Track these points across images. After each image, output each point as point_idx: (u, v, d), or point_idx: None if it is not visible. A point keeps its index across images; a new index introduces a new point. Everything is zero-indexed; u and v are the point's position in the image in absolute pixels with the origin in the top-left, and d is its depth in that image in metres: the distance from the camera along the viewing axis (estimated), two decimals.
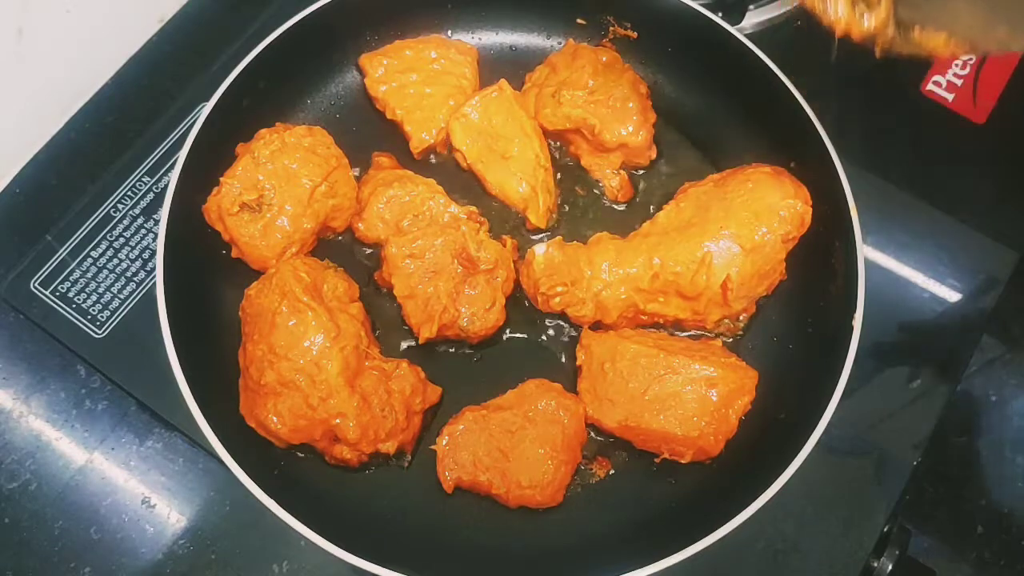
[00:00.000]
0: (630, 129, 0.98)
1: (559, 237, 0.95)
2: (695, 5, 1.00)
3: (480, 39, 1.10)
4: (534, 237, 1.00)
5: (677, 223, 0.94)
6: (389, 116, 1.02)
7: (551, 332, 0.97)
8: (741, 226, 0.90)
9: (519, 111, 1.01)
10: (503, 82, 1.02)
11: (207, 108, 0.93)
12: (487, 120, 1.01)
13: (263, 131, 0.96)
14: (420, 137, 1.01)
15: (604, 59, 1.02)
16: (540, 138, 1.01)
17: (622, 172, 1.02)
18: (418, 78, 1.02)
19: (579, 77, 1.00)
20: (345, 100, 1.07)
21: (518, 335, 0.96)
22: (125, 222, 1.02)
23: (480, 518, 0.89)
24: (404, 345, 0.95)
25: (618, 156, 1.01)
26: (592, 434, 0.92)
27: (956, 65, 1.18)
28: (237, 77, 0.95)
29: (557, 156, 1.04)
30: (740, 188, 0.92)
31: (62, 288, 0.98)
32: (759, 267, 0.91)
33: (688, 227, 0.93)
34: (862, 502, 0.94)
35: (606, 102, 0.98)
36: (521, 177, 0.99)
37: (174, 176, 0.90)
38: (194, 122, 0.93)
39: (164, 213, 0.89)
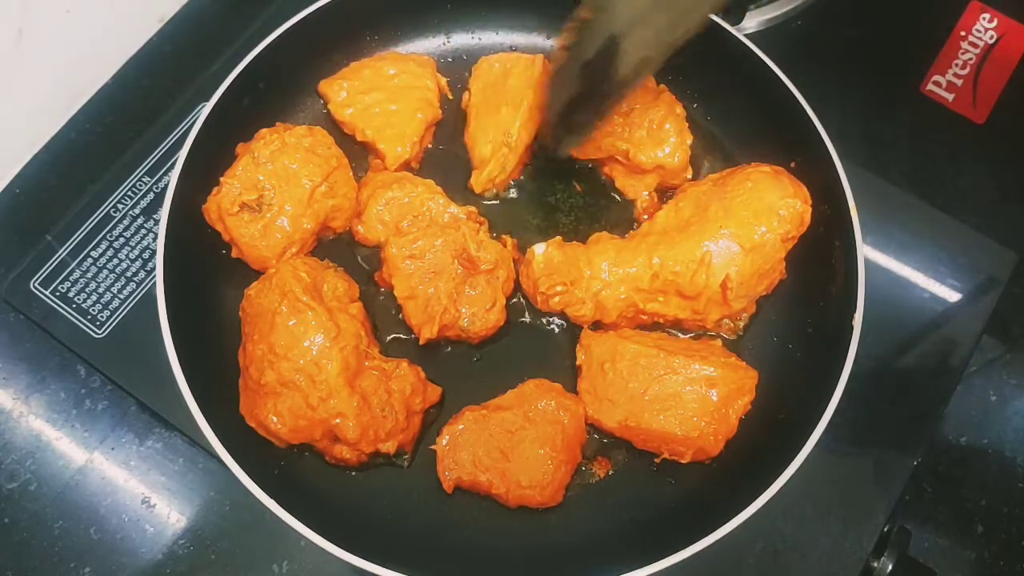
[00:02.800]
0: (667, 151, 0.97)
1: (559, 237, 0.95)
2: None
3: (480, 39, 1.10)
4: (487, 201, 1.02)
5: (676, 223, 0.94)
6: (360, 138, 1.01)
7: (551, 332, 0.97)
8: (740, 225, 0.90)
9: (532, 89, 1.00)
10: (540, 57, 1.02)
11: (207, 108, 0.93)
12: (504, 76, 1.02)
13: (263, 131, 0.96)
14: (395, 152, 0.99)
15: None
16: (529, 123, 1.00)
17: (653, 193, 1.01)
18: (382, 96, 1.01)
19: None
20: None
21: (518, 335, 0.96)
22: (125, 222, 1.02)
23: (480, 518, 0.89)
24: (404, 345, 0.95)
25: (654, 177, 1.00)
26: (592, 434, 0.92)
27: (956, 65, 1.18)
28: (237, 77, 0.95)
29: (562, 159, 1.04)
30: (739, 187, 0.92)
31: (62, 288, 0.98)
32: (759, 266, 0.91)
33: (687, 226, 0.93)
34: (862, 502, 0.94)
35: (642, 124, 0.98)
36: (490, 140, 1.00)
37: (174, 176, 0.90)
38: (194, 122, 0.93)
39: (164, 213, 0.89)
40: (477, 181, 1.00)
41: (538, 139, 0.99)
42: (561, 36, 0.81)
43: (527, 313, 0.97)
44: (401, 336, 0.95)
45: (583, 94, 0.85)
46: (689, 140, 0.98)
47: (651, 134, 0.97)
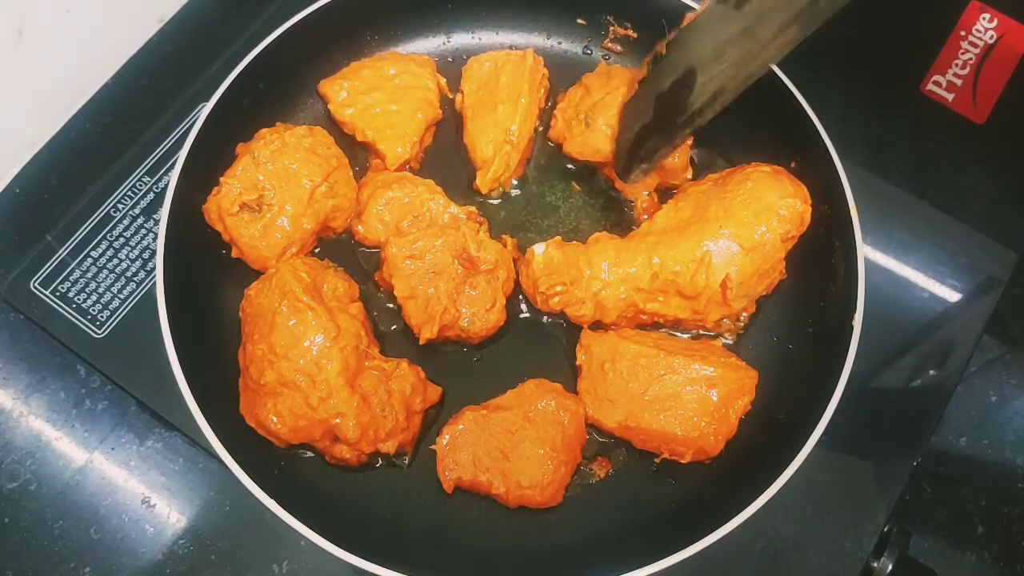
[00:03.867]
0: None
1: (558, 237, 0.95)
2: (695, 5, 1.00)
3: (480, 39, 1.10)
4: (491, 202, 1.02)
5: (676, 222, 0.94)
6: (360, 139, 1.01)
7: (551, 332, 0.97)
8: (740, 225, 0.90)
9: (526, 85, 1.01)
10: (531, 51, 1.03)
11: (207, 108, 0.93)
12: (495, 75, 1.02)
13: (264, 131, 0.96)
14: (395, 153, 0.99)
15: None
16: (527, 119, 1.01)
17: (653, 193, 1.01)
18: (382, 96, 1.01)
19: (614, 99, 0.98)
20: None
21: (518, 335, 0.96)
22: (125, 222, 1.02)
23: (480, 518, 0.89)
24: (404, 345, 0.95)
25: (654, 177, 1.00)
26: (592, 434, 0.92)
27: (956, 65, 1.18)
28: (237, 77, 0.95)
29: (560, 159, 1.04)
30: (739, 187, 0.92)
31: (62, 288, 0.98)
32: (758, 266, 0.91)
33: (687, 226, 0.93)
34: (862, 502, 0.94)
35: None
36: (491, 140, 1.00)
37: (174, 176, 0.90)
38: (194, 122, 0.93)
39: (164, 213, 0.89)
40: (483, 181, 1.00)
41: (614, 166, 0.97)
42: (641, 68, 0.82)
43: (527, 313, 0.97)
44: (401, 336, 0.95)
45: (655, 123, 0.85)
46: (689, 141, 0.98)
47: None
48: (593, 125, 0.99)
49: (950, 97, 1.17)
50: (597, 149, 0.99)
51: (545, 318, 0.97)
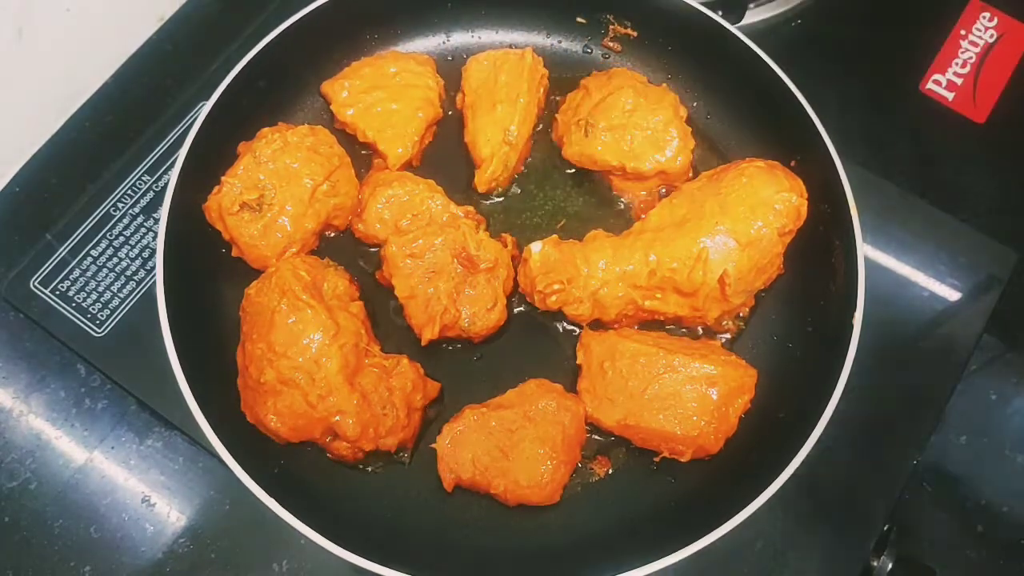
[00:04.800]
0: (668, 155, 0.97)
1: (555, 235, 0.95)
2: (695, 3, 1.00)
3: (480, 38, 1.10)
4: (486, 202, 1.03)
5: (672, 219, 0.93)
6: (361, 139, 1.01)
7: (552, 331, 0.97)
8: (736, 221, 0.90)
9: (525, 84, 1.01)
10: (529, 50, 1.02)
11: (207, 107, 0.93)
12: (495, 74, 1.02)
13: (265, 130, 0.96)
14: (396, 153, 0.99)
15: (643, 80, 1.01)
16: (526, 118, 1.01)
17: (653, 192, 1.01)
18: (383, 95, 1.01)
19: (616, 100, 0.98)
20: None
21: (519, 334, 0.96)
22: (125, 221, 1.02)
23: (480, 517, 0.89)
24: (404, 343, 0.95)
25: (655, 181, 1.00)
26: (592, 433, 0.92)
27: (956, 64, 1.18)
28: (237, 76, 0.95)
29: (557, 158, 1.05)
30: (734, 183, 0.92)
31: (62, 287, 0.98)
32: (756, 261, 0.90)
33: (683, 223, 0.92)
34: (862, 501, 0.94)
35: (644, 126, 0.97)
36: (489, 140, 1.00)
37: (174, 175, 0.90)
38: (194, 121, 0.93)
39: (164, 212, 0.89)
40: (481, 180, 1.00)
41: None
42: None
43: (528, 312, 0.97)
44: (401, 334, 0.95)
45: None
46: (691, 145, 0.97)
47: (653, 136, 0.97)
48: (591, 133, 0.98)
49: (950, 96, 1.17)
50: (593, 159, 0.99)
51: (546, 317, 0.97)
